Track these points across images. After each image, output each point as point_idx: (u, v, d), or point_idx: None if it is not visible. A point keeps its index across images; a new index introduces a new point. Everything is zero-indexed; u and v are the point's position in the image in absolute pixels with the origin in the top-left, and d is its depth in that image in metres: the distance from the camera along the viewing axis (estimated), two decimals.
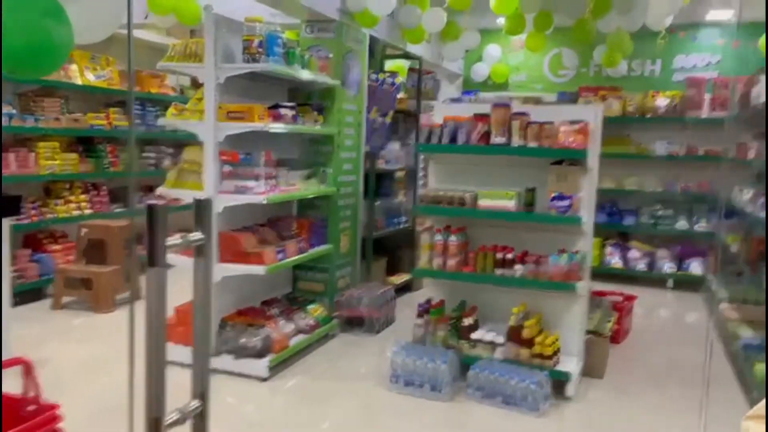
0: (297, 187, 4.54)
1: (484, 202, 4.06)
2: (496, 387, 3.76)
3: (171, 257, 3.36)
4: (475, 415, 3.71)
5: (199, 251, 1.41)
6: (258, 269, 4.07)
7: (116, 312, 5.42)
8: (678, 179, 7.28)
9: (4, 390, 2.21)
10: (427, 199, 4.22)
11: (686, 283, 7.05)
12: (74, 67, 6.08)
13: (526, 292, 4.09)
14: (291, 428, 3.50)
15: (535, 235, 4.14)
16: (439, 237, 4.16)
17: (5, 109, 5.35)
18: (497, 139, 4.01)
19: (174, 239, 1.28)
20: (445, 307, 4.30)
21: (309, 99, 4.91)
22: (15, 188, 5.40)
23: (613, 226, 7.40)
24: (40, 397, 2.28)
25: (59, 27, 2.61)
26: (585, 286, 4.12)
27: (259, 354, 4.09)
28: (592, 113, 4.04)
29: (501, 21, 6.83)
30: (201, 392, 1.48)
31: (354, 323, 5.08)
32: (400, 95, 6.27)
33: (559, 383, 3.88)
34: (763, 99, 5.36)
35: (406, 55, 6.75)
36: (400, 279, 6.23)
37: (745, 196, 5.50)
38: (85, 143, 6.33)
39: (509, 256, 4.04)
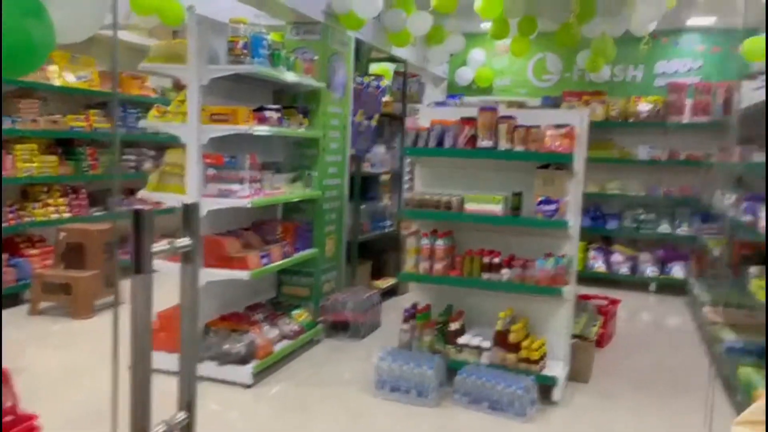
0: (282, 190, 4.49)
1: (470, 206, 4.04)
2: (482, 392, 3.74)
3: (154, 262, 3.29)
4: (461, 421, 3.68)
5: (187, 257, 1.36)
6: (242, 274, 4.01)
7: (95, 318, 5.32)
8: (660, 183, 7.34)
9: None
10: (414, 202, 4.19)
11: (669, 287, 7.10)
12: (53, 67, 5.97)
13: (512, 296, 4.07)
14: None
15: (521, 239, 4.13)
16: (425, 241, 4.13)
17: None
18: (484, 142, 3.99)
19: (161, 245, 1.23)
20: (431, 312, 4.27)
21: (294, 101, 4.86)
22: None
23: (597, 230, 7.44)
24: (17, 407, 2.21)
25: (40, 27, 2.54)
26: (571, 290, 4.12)
27: (243, 360, 4.02)
28: (578, 117, 4.04)
29: (485, 25, 6.84)
30: (188, 402, 1.42)
31: (339, 328, 5.03)
32: (386, 98, 6.24)
33: (545, 388, 3.87)
34: (744, 104, 5.42)
35: (392, 59, 6.72)
36: (385, 283, 6.20)
37: (726, 201, 5.55)
38: (64, 145, 6.22)
39: (496, 260, 4.02)
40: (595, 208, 7.49)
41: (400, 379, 3.87)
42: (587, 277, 6.85)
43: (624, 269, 7.28)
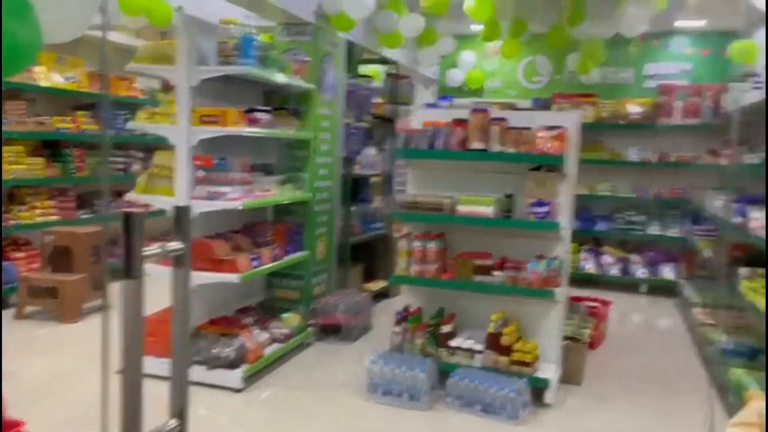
0: (272, 192, 4.45)
1: (462, 208, 4.02)
2: (475, 395, 3.72)
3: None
4: (454, 424, 3.66)
5: (178, 261, 1.32)
6: (232, 277, 3.96)
7: (82, 322, 5.25)
8: (650, 185, 7.37)
9: None
10: (406, 205, 4.17)
11: (659, 288, 7.12)
12: (40, 68, 5.90)
13: (504, 298, 4.06)
14: None
15: (513, 241, 4.12)
16: (417, 243, 4.11)
17: None
18: (476, 144, 3.98)
19: (152, 249, 1.19)
20: (423, 315, 4.25)
21: (285, 103, 4.83)
22: None
23: (587, 231, 7.45)
24: (3, 413, 2.15)
25: (27, 27, 2.49)
26: (563, 292, 4.11)
27: (233, 364, 3.98)
28: (570, 119, 4.04)
29: (476, 27, 6.83)
30: (180, 410, 1.39)
31: (330, 331, 5.00)
32: (377, 100, 6.22)
33: (537, 390, 3.86)
34: (732, 107, 5.45)
35: (382, 60, 6.70)
36: (376, 286, 6.16)
37: (716, 202, 5.57)
38: (51, 147, 6.15)
39: (488, 262, 4.00)
40: (585, 210, 7.50)
41: (392, 382, 3.84)
42: (578, 279, 6.85)
43: (614, 271, 7.29)
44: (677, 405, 4.05)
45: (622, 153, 7.44)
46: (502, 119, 3.98)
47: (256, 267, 4.18)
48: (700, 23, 7.19)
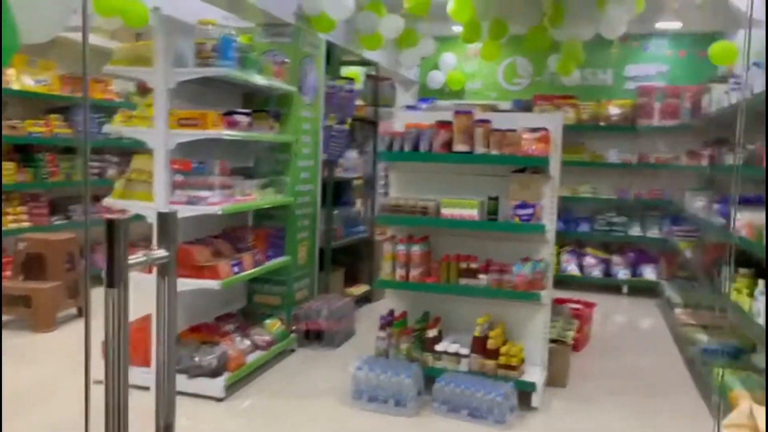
0: (253, 196, 4.36)
1: (446, 211, 3.98)
2: (461, 400, 3.67)
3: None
4: (441, 430, 3.61)
5: (163, 269, 1.25)
6: (212, 284, 3.87)
7: (57, 331, 5.11)
8: (631, 186, 7.41)
9: None
10: (389, 208, 4.12)
11: (640, 289, 7.15)
12: (11, 71, 5.74)
13: (489, 301, 4.02)
14: None
15: (498, 243, 4.09)
16: (401, 247, 4.06)
17: None
18: (460, 146, 3.94)
19: (137, 257, 1.12)
20: (407, 319, 4.20)
21: (265, 105, 4.74)
22: None
23: (569, 233, 7.46)
24: None
25: (3, 27, 2.40)
26: (548, 294, 4.09)
27: (215, 373, 3.89)
28: (553, 121, 4.02)
29: (456, 29, 6.82)
30: (166, 425, 1.31)
31: (313, 337, 4.92)
32: (358, 102, 6.16)
33: (524, 394, 3.83)
34: (714, 108, 5.49)
35: (363, 62, 6.65)
36: (359, 290, 6.10)
37: (697, 203, 5.61)
38: (22, 152, 5.98)
39: (473, 265, 3.97)
40: (567, 211, 7.51)
41: (378, 388, 3.78)
42: (561, 280, 6.86)
43: (596, 272, 7.31)
44: (660, 405, 4.06)
45: (602, 155, 7.47)
46: (486, 121, 3.96)
47: (237, 273, 4.09)
48: (677, 25, 7.26)
